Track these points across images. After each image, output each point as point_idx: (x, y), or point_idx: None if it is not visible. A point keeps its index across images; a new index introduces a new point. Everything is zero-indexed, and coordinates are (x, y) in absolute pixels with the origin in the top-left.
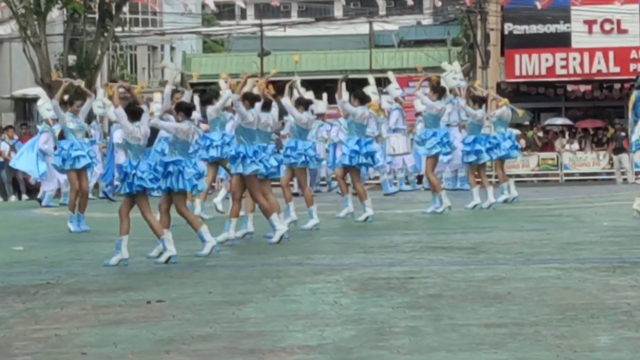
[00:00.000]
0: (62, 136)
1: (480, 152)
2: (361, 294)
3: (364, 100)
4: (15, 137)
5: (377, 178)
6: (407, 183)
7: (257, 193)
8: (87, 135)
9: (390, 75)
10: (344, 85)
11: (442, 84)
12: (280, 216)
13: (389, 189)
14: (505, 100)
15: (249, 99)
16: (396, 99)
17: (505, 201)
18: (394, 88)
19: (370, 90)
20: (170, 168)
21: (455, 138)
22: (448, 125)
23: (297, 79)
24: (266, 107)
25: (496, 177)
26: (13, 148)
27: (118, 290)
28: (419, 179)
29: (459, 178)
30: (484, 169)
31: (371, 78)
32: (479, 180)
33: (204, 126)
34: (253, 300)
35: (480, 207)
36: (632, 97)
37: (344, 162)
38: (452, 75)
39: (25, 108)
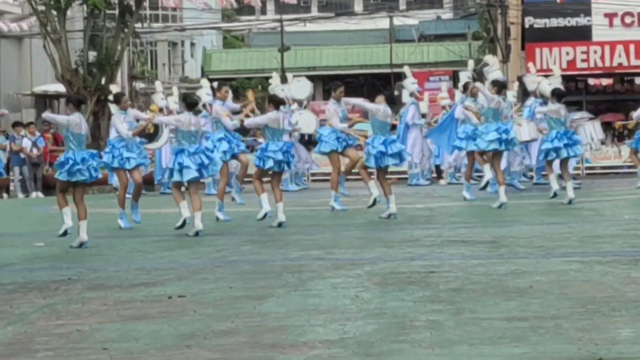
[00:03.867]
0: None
1: (559, 148)
2: (382, 288)
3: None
4: (37, 133)
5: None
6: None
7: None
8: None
9: (406, 69)
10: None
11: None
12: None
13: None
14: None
15: (274, 102)
16: (412, 94)
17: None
18: (409, 82)
19: (409, 81)
20: None
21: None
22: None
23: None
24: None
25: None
26: (35, 144)
27: (139, 285)
28: (439, 173)
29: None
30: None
31: (407, 70)
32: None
33: None
34: (274, 295)
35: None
36: None
37: (371, 164)
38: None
39: (46, 104)
